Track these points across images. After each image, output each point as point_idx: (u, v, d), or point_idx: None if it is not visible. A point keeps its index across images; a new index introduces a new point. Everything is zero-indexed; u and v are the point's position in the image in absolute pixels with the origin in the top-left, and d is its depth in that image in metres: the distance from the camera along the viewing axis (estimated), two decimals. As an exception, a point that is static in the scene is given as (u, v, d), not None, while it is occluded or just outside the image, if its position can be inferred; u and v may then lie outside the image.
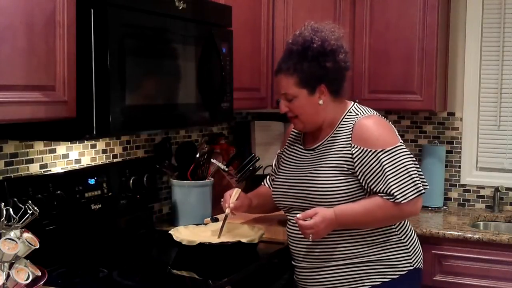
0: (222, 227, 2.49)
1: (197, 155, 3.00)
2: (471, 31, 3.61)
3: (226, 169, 3.11)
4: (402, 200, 2.23)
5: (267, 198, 2.59)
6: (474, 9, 3.60)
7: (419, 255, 2.44)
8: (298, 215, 2.26)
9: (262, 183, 2.73)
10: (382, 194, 2.25)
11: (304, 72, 2.31)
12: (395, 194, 2.23)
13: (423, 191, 2.28)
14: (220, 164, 3.06)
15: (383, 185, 2.24)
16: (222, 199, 2.53)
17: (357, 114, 2.36)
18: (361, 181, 2.29)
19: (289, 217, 2.46)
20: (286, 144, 2.56)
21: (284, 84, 2.35)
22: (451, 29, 3.64)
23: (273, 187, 2.52)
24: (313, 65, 2.31)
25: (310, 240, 2.26)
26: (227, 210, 2.47)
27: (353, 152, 2.29)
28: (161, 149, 3.02)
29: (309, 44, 2.32)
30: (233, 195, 2.50)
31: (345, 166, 2.30)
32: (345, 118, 2.37)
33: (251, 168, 3.20)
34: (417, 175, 2.28)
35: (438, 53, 3.38)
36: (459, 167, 3.69)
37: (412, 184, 2.25)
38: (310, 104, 2.35)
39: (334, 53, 2.34)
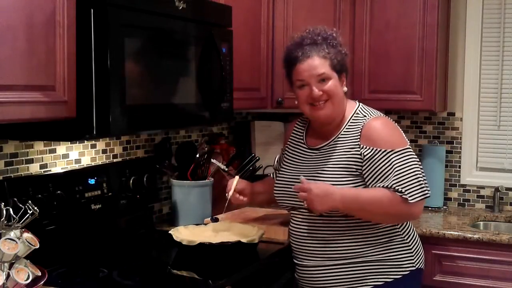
0: (226, 205, 2.61)
1: (197, 155, 3.00)
2: (471, 31, 3.61)
3: (226, 169, 3.11)
4: (409, 198, 2.23)
5: (271, 184, 2.60)
6: (474, 9, 3.60)
7: (421, 256, 2.45)
8: (301, 177, 2.29)
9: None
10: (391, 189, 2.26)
11: (331, 58, 2.35)
12: (404, 191, 2.23)
13: (428, 194, 2.29)
14: (220, 164, 3.05)
15: (392, 182, 2.24)
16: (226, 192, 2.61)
17: (365, 116, 2.37)
18: (368, 181, 2.29)
19: (292, 215, 2.46)
20: (288, 142, 2.56)
21: (319, 64, 2.34)
22: (451, 29, 3.64)
23: (275, 186, 2.52)
24: (337, 51, 2.37)
25: (305, 206, 2.27)
26: (230, 193, 2.56)
27: (363, 152, 2.29)
28: (161, 149, 3.02)
29: (326, 35, 2.38)
30: (233, 182, 2.58)
31: (353, 167, 2.31)
32: (353, 119, 2.38)
33: (251, 168, 3.20)
34: (422, 178, 2.29)
35: (438, 53, 3.37)
36: (459, 167, 3.69)
37: (418, 186, 2.26)
38: (339, 88, 2.38)
39: (343, 47, 2.41)
